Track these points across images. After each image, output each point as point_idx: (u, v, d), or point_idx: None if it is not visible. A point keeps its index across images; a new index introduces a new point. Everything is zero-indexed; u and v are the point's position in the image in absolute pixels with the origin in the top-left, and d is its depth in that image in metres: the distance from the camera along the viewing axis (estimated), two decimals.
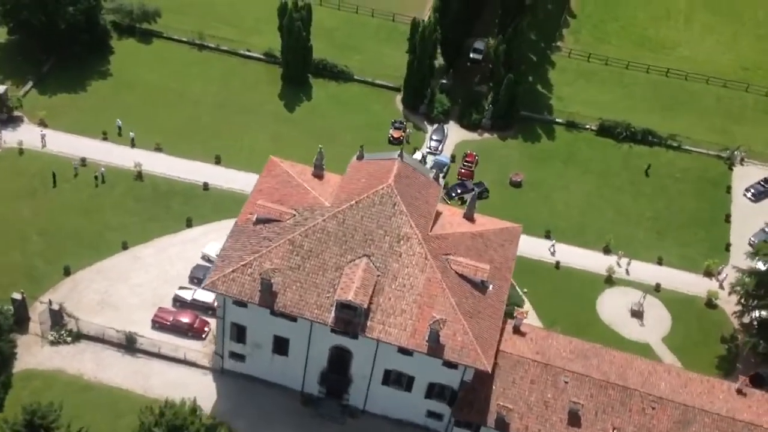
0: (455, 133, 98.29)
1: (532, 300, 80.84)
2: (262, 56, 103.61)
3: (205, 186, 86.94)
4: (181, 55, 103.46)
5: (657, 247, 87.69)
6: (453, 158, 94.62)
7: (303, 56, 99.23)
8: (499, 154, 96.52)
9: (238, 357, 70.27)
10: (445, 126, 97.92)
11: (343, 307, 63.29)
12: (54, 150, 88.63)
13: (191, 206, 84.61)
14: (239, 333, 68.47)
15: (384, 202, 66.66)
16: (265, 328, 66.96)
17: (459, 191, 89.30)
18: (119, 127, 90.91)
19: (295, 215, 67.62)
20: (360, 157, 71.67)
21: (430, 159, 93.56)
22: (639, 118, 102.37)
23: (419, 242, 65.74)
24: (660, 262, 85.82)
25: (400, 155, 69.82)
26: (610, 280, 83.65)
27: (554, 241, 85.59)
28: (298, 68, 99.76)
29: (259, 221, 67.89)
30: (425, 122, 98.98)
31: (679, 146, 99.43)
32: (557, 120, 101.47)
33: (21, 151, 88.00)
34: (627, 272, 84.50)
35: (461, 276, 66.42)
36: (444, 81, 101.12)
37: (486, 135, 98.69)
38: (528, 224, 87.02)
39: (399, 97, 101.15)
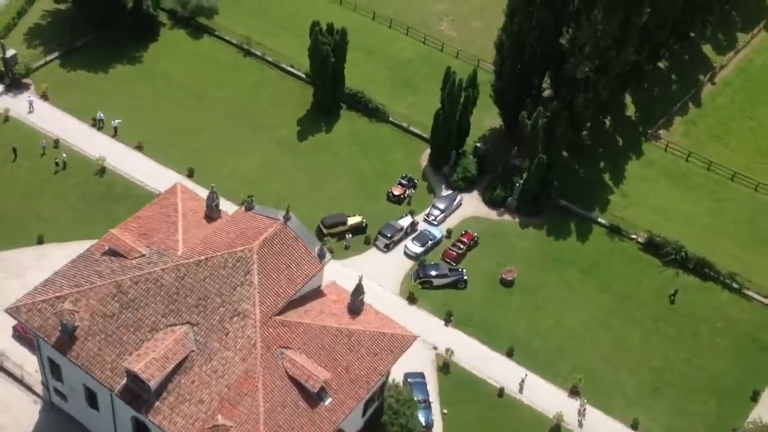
0: (471, 206, 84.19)
1: (448, 426, 66.23)
2: (302, 75, 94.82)
3: None
4: (223, 57, 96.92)
5: (643, 405, 69.41)
6: (449, 233, 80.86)
7: (334, 83, 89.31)
8: (509, 243, 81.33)
9: (62, 395, 62.17)
10: (460, 195, 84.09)
11: (135, 378, 53.31)
12: (37, 123, 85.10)
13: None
14: (55, 370, 60.26)
15: (236, 267, 55.84)
16: (75, 372, 58.22)
17: (433, 273, 75.62)
18: (101, 120, 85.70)
19: (143, 255, 58.42)
20: (248, 208, 61.01)
21: (422, 227, 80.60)
22: (715, 242, 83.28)
23: (254, 325, 54.34)
24: (634, 426, 67.72)
25: (286, 217, 58.55)
26: (557, 430, 66.99)
27: (526, 374, 69.83)
28: (326, 96, 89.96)
29: (108, 252, 59.36)
30: (443, 186, 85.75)
31: (739, 289, 79.29)
32: (599, 220, 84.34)
33: (6, 118, 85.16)
34: (581, 424, 67.33)
35: (292, 378, 54.19)
36: (479, 145, 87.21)
37: (506, 216, 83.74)
38: (494, 333, 72.87)
39: (428, 151, 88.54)
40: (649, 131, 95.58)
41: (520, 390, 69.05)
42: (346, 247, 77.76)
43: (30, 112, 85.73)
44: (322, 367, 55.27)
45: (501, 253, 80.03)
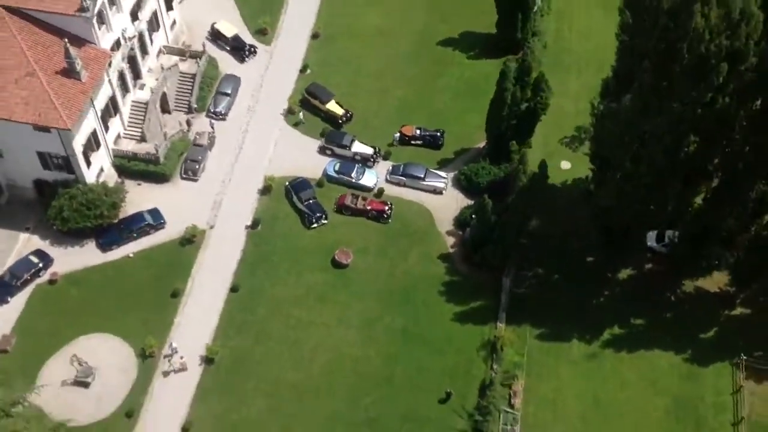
0: (449, 201, 69.56)
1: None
2: None
3: None
4: None
5: None
6: (380, 192, 69.36)
7: (519, 18, 76.76)
8: (409, 251, 66.74)
9: None
10: (447, 181, 69.94)
11: None
12: None
13: None
14: None
15: None
16: None
17: (301, 195, 68.36)
18: None
19: None
20: None
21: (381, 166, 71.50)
22: None
23: None
24: None
25: None
26: None
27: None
28: (502, 31, 78.07)
29: None
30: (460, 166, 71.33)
31: None
32: (499, 325, 62.74)
33: None
34: None
35: None
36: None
37: (450, 239, 67.59)
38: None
39: None
40: (749, 357, 62.79)
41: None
42: (296, 123, 73.52)
43: None
44: None
45: (384, 251, 66.98)
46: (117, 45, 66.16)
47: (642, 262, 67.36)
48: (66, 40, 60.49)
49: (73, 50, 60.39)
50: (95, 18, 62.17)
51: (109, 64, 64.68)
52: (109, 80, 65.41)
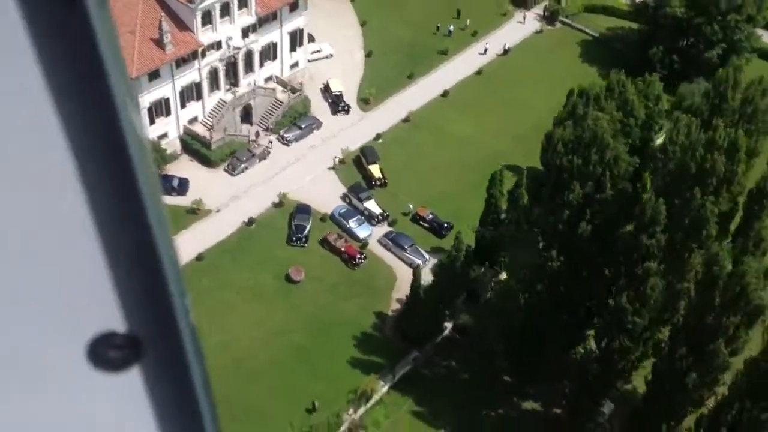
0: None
1: None
2: None
3: None
4: None
5: None
6: (360, 257, 75.53)
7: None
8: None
9: None
10: (426, 258, 74.41)
11: None
12: None
13: None
14: None
15: None
16: None
17: (302, 222, 76.55)
18: None
19: None
20: None
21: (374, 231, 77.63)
22: None
23: None
24: None
25: None
26: None
27: None
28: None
29: None
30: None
31: None
32: None
33: None
34: None
35: None
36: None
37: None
38: None
39: None
40: None
41: None
42: (332, 167, 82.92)
43: None
44: None
45: (335, 288, 72.72)
46: (218, 46, 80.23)
47: (553, 405, 66.88)
48: (163, 14, 75.47)
49: (167, 26, 75.13)
50: (199, 12, 76.77)
51: (203, 56, 78.96)
52: (199, 69, 79.59)
